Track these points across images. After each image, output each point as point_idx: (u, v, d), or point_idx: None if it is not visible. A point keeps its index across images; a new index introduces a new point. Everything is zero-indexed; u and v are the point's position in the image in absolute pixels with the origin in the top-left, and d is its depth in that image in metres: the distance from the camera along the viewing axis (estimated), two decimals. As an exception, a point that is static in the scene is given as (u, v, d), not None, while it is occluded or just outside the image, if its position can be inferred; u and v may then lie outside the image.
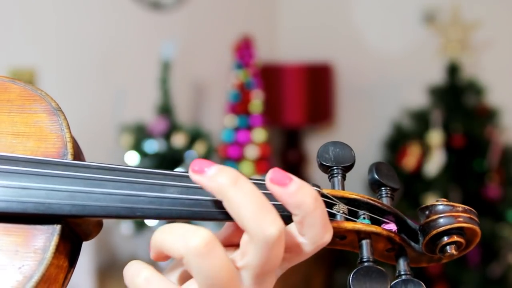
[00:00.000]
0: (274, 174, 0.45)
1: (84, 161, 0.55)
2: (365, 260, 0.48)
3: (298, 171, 3.36)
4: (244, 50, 2.79)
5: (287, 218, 0.47)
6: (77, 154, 0.52)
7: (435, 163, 2.70)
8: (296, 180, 0.45)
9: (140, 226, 2.35)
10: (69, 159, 0.50)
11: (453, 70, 2.83)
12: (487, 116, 2.81)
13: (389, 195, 0.53)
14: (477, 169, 2.75)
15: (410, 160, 2.78)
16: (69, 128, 0.52)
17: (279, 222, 0.42)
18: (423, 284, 0.47)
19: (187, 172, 0.47)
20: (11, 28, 2.24)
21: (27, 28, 2.29)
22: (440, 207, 0.51)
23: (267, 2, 3.56)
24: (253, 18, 3.41)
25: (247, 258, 0.43)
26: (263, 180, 0.48)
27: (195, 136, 2.50)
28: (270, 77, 3.05)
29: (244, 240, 0.44)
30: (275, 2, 3.59)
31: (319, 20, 3.49)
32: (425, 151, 2.75)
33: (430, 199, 2.64)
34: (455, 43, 2.83)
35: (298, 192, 0.44)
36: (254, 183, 0.47)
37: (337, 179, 0.52)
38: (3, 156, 0.48)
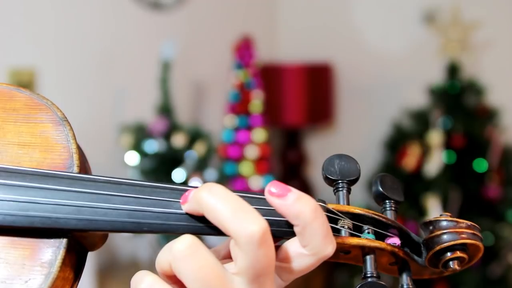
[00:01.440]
0: (273, 187, 0.45)
1: (90, 169, 0.55)
2: (369, 275, 0.49)
3: (298, 171, 3.36)
4: (244, 50, 2.79)
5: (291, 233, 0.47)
6: (83, 164, 0.52)
7: (435, 163, 2.70)
8: (294, 191, 0.45)
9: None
10: (75, 170, 0.50)
11: (453, 70, 2.83)
12: (487, 116, 2.81)
13: (393, 208, 0.53)
14: (477, 169, 2.75)
15: (410, 160, 2.78)
16: (75, 138, 0.52)
17: (260, 220, 0.42)
18: None
19: (192, 186, 0.48)
20: (11, 28, 2.24)
21: (27, 28, 2.29)
22: (444, 223, 0.51)
23: (267, 2, 3.56)
24: (253, 18, 3.40)
25: (237, 263, 0.43)
26: (261, 194, 0.48)
27: (195, 136, 2.50)
28: (270, 77, 3.05)
29: (231, 245, 0.44)
30: (275, 2, 3.59)
31: (319, 20, 3.49)
32: (425, 151, 2.75)
33: (430, 199, 2.65)
34: (455, 43, 2.83)
35: (296, 202, 0.45)
36: (253, 197, 0.48)
37: (342, 193, 0.52)
38: (10, 169, 0.48)
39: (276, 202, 0.45)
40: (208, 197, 0.43)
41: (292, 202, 0.45)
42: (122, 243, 2.62)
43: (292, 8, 3.57)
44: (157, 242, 2.39)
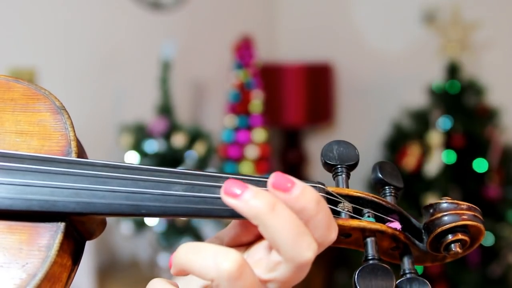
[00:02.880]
0: (276, 179, 0.44)
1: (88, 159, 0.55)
2: (370, 258, 0.48)
3: (298, 171, 3.36)
4: (244, 50, 2.79)
5: None
6: (81, 153, 0.52)
7: (435, 163, 2.70)
8: (298, 184, 0.44)
9: (140, 226, 2.35)
10: (73, 157, 0.50)
11: (453, 70, 2.83)
12: (487, 116, 2.81)
13: (393, 194, 0.53)
14: (477, 169, 2.75)
15: (410, 160, 2.77)
16: (73, 126, 0.52)
17: (314, 245, 0.43)
18: (428, 282, 0.47)
19: (192, 170, 0.48)
20: (11, 28, 2.24)
21: (27, 28, 2.29)
22: (445, 205, 0.50)
23: (267, 2, 3.56)
24: (253, 18, 3.40)
25: (276, 274, 0.44)
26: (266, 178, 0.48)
27: (195, 136, 2.49)
28: (270, 77, 3.05)
29: (275, 259, 0.44)
30: (275, 2, 3.59)
31: (319, 20, 3.49)
32: (425, 151, 2.75)
33: (430, 199, 2.64)
34: (455, 43, 2.83)
35: (300, 197, 0.43)
36: (257, 180, 0.47)
37: (342, 178, 0.52)
38: (8, 153, 0.48)
39: (280, 197, 0.44)
40: (272, 218, 0.42)
41: (296, 197, 0.43)
42: (122, 243, 2.62)
43: (292, 8, 3.57)
44: (157, 242, 2.38)
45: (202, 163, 2.46)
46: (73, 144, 0.51)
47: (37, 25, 2.33)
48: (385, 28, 3.29)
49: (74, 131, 0.52)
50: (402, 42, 3.21)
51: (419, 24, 3.07)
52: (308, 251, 0.42)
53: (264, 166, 2.79)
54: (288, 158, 3.35)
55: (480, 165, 2.75)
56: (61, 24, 2.40)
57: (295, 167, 3.35)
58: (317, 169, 3.41)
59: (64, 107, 0.53)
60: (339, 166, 0.52)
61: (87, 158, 0.54)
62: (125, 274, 2.50)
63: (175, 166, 2.41)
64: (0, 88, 0.54)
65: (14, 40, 2.26)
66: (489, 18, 2.89)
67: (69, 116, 0.53)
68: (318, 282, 3.02)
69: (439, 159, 2.70)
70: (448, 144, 2.74)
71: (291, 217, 0.43)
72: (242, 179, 0.46)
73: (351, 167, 0.52)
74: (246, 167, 2.75)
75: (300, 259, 0.42)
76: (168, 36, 2.58)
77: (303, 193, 0.43)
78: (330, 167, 0.52)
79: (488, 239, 2.61)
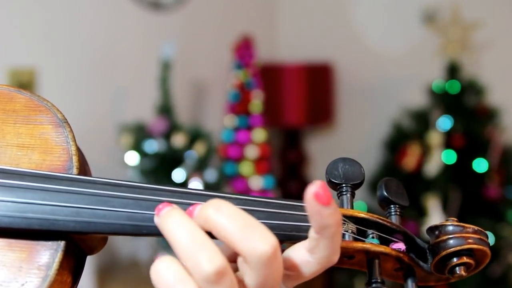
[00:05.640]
0: (321, 190, 0.42)
1: (90, 171, 0.54)
2: (373, 281, 0.48)
3: (298, 171, 3.35)
4: (244, 50, 2.79)
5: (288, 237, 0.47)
6: (83, 166, 0.52)
7: (435, 163, 2.70)
8: (334, 203, 0.42)
9: (140, 227, 2.34)
10: (74, 172, 0.49)
11: (453, 70, 2.83)
12: (487, 116, 2.81)
13: (398, 213, 0.52)
14: (477, 169, 2.75)
15: (410, 160, 2.77)
16: (74, 140, 0.51)
17: (269, 237, 0.40)
18: None
19: (193, 189, 0.47)
20: (11, 28, 2.24)
21: (27, 28, 2.28)
22: (450, 228, 0.50)
23: (267, 2, 3.55)
24: (253, 18, 3.40)
25: (246, 279, 0.42)
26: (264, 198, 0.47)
27: (195, 136, 2.49)
28: (270, 77, 3.04)
29: (239, 261, 0.42)
30: (275, 2, 3.58)
31: (319, 20, 3.48)
32: (425, 151, 2.74)
33: (430, 199, 2.64)
34: (455, 43, 2.82)
35: (331, 216, 0.42)
36: (256, 201, 0.47)
37: (346, 197, 0.51)
38: (8, 170, 0.47)
39: (314, 207, 0.42)
40: (216, 217, 0.42)
41: (328, 215, 0.42)
42: (122, 243, 2.61)
43: (292, 8, 3.56)
44: (157, 242, 2.38)
45: (202, 163, 2.46)
46: (75, 159, 0.50)
47: (37, 25, 2.32)
48: (385, 28, 3.28)
49: (76, 145, 0.51)
50: (402, 42, 3.21)
51: (419, 24, 3.06)
52: (262, 243, 0.40)
53: (264, 166, 2.79)
54: (288, 158, 3.35)
55: (480, 165, 2.75)
56: (61, 24, 2.40)
57: (295, 167, 3.34)
58: (317, 170, 3.40)
59: (66, 119, 0.53)
60: (344, 185, 0.51)
61: (89, 171, 0.54)
62: (125, 274, 2.50)
63: (175, 166, 2.40)
64: (2, 99, 0.53)
65: (13, 40, 2.25)
66: (489, 18, 2.88)
67: (71, 130, 0.52)
68: (318, 283, 3.02)
69: (439, 159, 2.70)
70: (448, 144, 2.74)
71: (235, 212, 0.42)
72: (244, 200, 0.45)
73: (356, 186, 0.51)
74: (246, 167, 2.75)
75: (255, 252, 0.40)
76: (168, 36, 2.58)
77: (334, 213, 0.42)
78: (335, 186, 0.52)
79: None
